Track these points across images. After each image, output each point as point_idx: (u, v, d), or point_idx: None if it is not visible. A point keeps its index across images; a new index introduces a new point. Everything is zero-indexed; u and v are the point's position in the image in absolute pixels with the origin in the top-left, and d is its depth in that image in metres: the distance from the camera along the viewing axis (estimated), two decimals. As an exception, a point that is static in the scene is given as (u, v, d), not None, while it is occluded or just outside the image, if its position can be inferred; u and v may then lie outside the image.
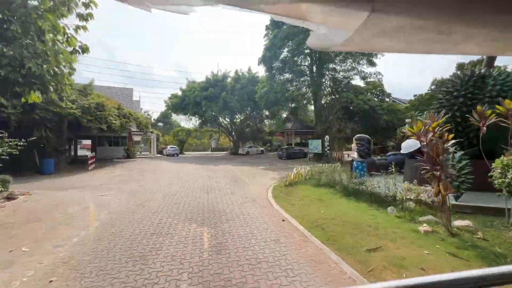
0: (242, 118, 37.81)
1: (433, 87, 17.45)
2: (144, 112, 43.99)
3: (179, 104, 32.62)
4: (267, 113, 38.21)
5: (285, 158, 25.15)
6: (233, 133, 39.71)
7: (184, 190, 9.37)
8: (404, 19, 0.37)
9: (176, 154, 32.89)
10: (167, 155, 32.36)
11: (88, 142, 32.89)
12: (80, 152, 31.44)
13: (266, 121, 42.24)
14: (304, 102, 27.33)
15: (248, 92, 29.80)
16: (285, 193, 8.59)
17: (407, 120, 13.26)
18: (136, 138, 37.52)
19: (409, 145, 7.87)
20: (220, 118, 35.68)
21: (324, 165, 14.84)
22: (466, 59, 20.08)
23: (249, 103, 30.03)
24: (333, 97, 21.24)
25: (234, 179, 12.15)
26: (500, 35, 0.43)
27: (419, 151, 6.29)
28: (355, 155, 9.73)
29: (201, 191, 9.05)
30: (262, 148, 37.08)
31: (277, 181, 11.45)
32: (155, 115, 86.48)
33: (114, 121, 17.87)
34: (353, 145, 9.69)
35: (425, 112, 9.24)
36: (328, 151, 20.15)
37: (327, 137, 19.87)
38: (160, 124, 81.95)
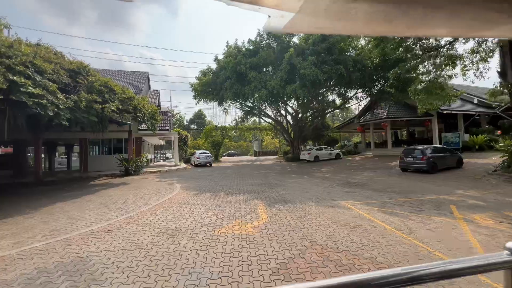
0: (302, 106, 24.45)
1: None
2: (168, 108, 32.43)
3: (211, 84, 20.93)
4: (334, 98, 24.42)
5: (427, 170, 11.56)
6: (289, 130, 26.87)
7: None
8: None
9: (209, 163, 21.44)
10: (196, 166, 21.07)
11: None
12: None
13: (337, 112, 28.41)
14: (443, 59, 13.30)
15: (328, 49, 16.60)
16: None
17: None
18: (155, 141, 27.13)
19: None
20: (280, 102, 22.74)
21: None
22: None
23: (334, 68, 16.45)
24: None
25: None
26: (455, 16, 0.40)
27: None
28: None
29: None
30: (337, 151, 23.59)
31: None
32: (188, 116, 78.76)
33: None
34: None
35: None
36: None
37: None
38: (194, 126, 73.37)
